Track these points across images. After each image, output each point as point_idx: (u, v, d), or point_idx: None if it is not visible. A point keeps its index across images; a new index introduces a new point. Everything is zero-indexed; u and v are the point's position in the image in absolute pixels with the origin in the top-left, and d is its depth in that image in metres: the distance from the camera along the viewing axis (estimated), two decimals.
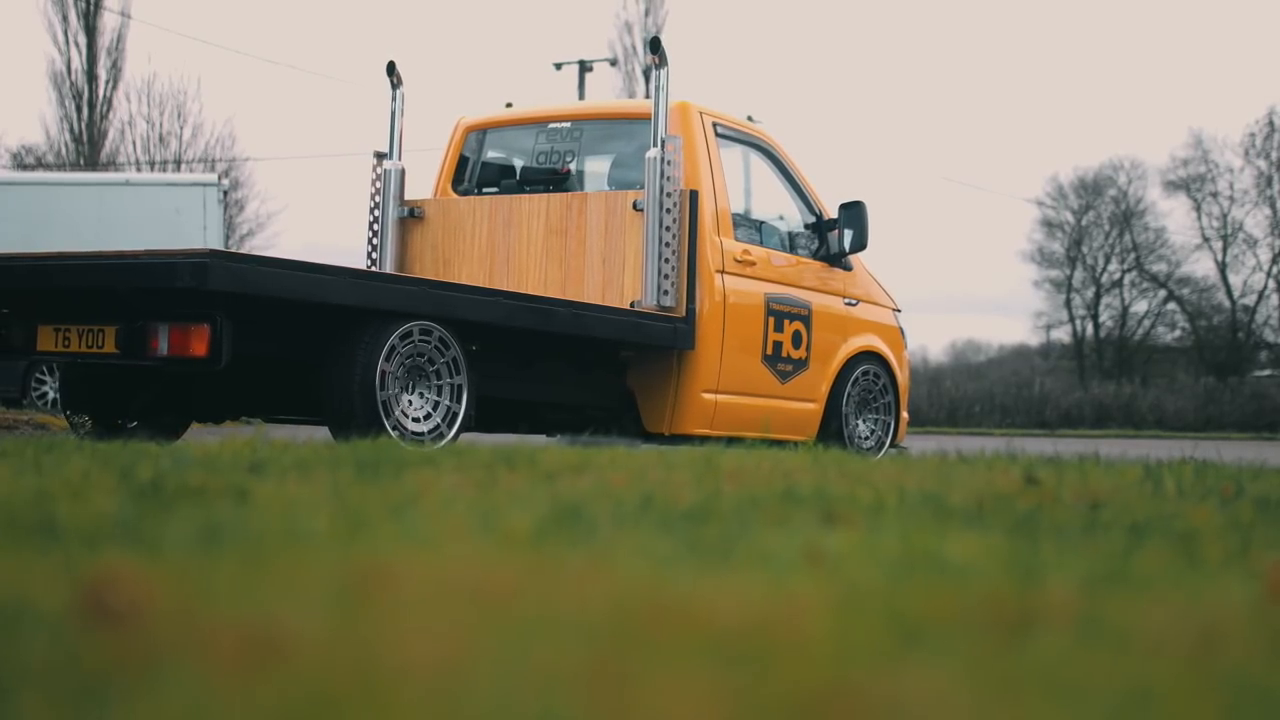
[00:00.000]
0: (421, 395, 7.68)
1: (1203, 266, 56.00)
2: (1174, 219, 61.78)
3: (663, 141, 8.68)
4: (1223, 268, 53.56)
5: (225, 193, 26.11)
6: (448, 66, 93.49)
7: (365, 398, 7.37)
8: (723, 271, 8.99)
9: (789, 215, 9.80)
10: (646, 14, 50.72)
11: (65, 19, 46.10)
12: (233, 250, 6.56)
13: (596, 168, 9.65)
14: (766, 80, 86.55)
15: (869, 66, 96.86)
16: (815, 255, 9.81)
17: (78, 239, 24.76)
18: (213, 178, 25.99)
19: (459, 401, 7.75)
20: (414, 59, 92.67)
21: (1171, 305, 55.23)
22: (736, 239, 9.19)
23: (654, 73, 8.80)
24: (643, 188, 8.85)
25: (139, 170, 46.12)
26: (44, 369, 18.42)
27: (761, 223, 9.57)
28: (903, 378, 10.36)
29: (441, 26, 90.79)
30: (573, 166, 9.57)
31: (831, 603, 2.17)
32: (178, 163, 47.97)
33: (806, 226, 9.84)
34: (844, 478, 4.89)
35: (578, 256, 9.02)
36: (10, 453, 5.33)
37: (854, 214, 9.68)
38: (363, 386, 7.39)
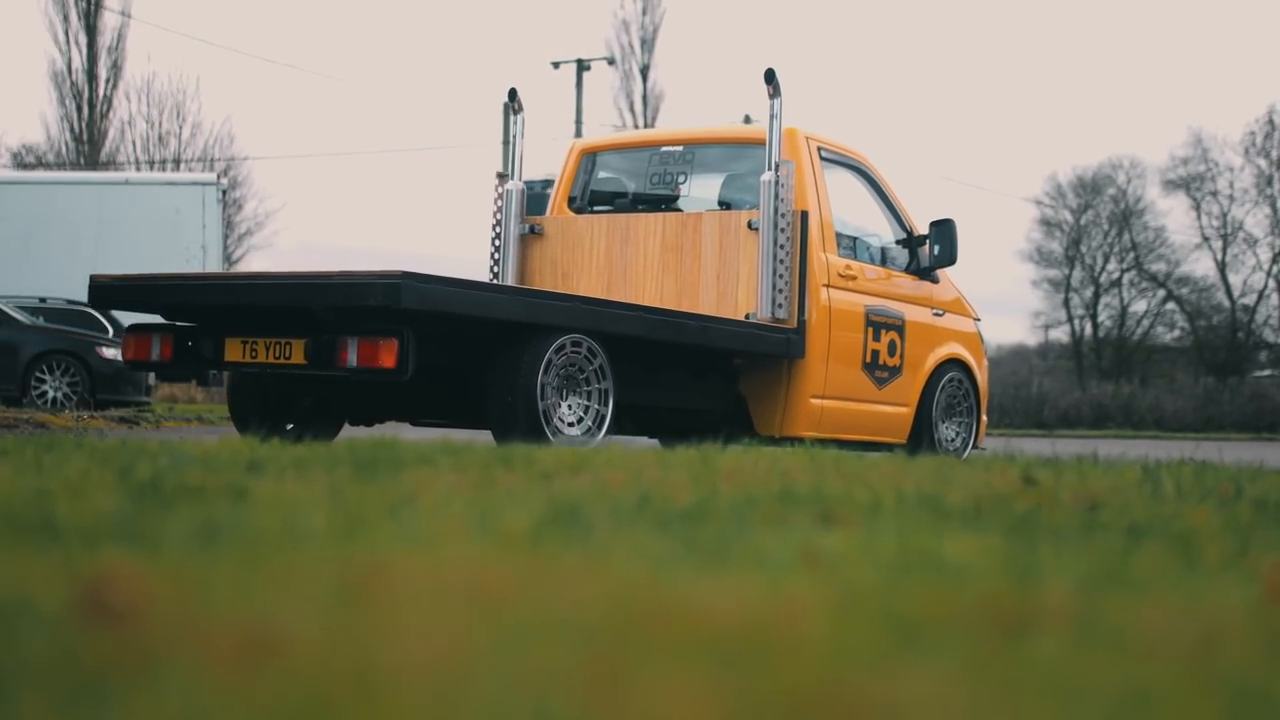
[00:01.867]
0: (574, 402, 8.35)
1: (1202, 266, 56.03)
2: (1173, 218, 61.93)
3: (776, 166, 9.37)
4: (1222, 267, 53.58)
5: (224, 192, 26.11)
6: (448, 66, 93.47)
7: (528, 405, 8.03)
8: (828, 285, 9.68)
9: (882, 231, 10.46)
10: (644, 13, 50.70)
11: (66, 18, 46.14)
12: (417, 271, 7.16)
13: (706, 188, 10.26)
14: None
15: (867, 65, 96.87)
16: (907, 269, 10.49)
17: (77, 237, 24.77)
18: (212, 177, 26.00)
19: (605, 406, 8.42)
20: (414, 58, 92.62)
21: (1171, 305, 55.23)
22: (839, 255, 9.86)
23: (769, 102, 9.56)
24: (752, 207, 9.59)
25: (138, 169, 46.12)
26: (43, 368, 18.42)
27: (859, 239, 10.22)
28: (983, 383, 11.07)
29: (440, 25, 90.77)
30: (685, 188, 10.18)
31: (828, 603, 2.18)
32: (177, 162, 47.98)
33: (898, 242, 10.50)
34: (841, 478, 4.89)
35: (693, 271, 9.69)
36: (10, 451, 5.33)
37: (943, 231, 10.33)
38: (526, 395, 8.04)
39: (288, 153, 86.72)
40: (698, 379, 9.44)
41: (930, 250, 10.38)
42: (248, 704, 1.50)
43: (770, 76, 9.71)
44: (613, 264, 10.01)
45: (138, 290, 8.99)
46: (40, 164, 46.36)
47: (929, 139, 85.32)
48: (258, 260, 53.79)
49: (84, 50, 46.26)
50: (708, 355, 9.24)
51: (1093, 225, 56.91)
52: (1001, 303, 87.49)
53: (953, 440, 10.65)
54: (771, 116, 9.53)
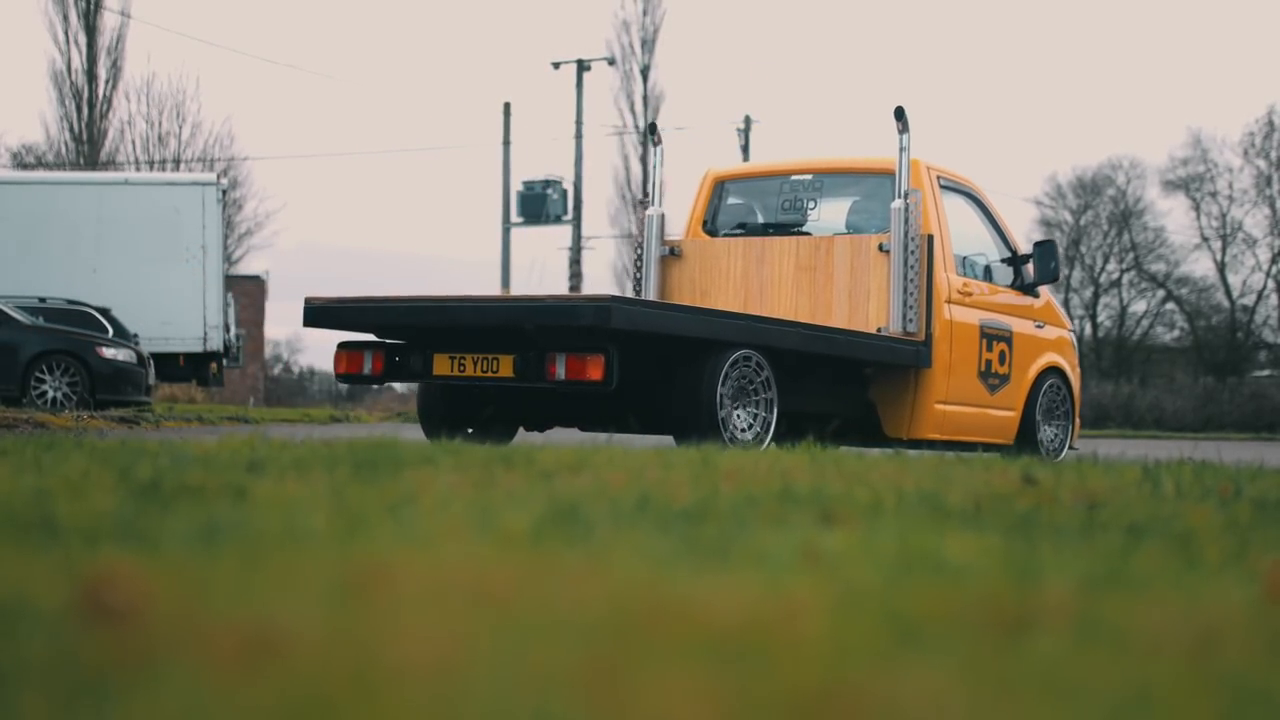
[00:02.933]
0: (745, 410, 9.25)
1: (1202, 266, 55.97)
2: (1173, 218, 61.83)
3: (905, 195, 10.31)
4: (1222, 267, 53.57)
5: (224, 192, 26.10)
6: (449, 66, 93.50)
7: (710, 414, 8.89)
8: (950, 302, 10.61)
9: (989, 250, 11.43)
10: (644, 13, 50.69)
11: (65, 18, 46.11)
12: (623, 295, 8.81)
13: (833, 212, 11.23)
14: (764, 79, 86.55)
15: (866, 65, 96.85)
16: (1012, 285, 11.46)
17: (77, 238, 24.77)
18: (211, 177, 25.99)
19: (770, 414, 9.31)
20: (415, 59, 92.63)
21: (1170, 305, 55.22)
22: (958, 274, 10.84)
23: (897, 137, 10.47)
24: (878, 231, 10.59)
25: (138, 170, 46.12)
26: (43, 368, 18.41)
27: (972, 258, 11.17)
28: (1077, 388, 12.03)
29: (440, 26, 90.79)
30: (815, 213, 11.14)
31: (829, 603, 2.18)
32: (177, 162, 47.98)
33: (1004, 260, 11.46)
34: (841, 478, 4.89)
35: (825, 290, 10.62)
36: (10, 451, 5.33)
37: (1045, 250, 11.38)
38: (708, 405, 8.91)
39: (288, 153, 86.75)
40: (834, 387, 10.36)
41: (1033, 268, 11.40)
42: (248, 704, 1.50)
43: (900, 114, 10.55)
44: (749, 283, 10.95)
45: (351, 311, 9.63)
46: (40, 164, 46.35)
47: (929, 139, 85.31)
48: (258, 260, 53.83)
49: (84, 50, 46.25)
50: (844, 365, 10.18)
51: (1092, 225, 56.91)
52: None
53: (1052, 441, 11.61)
54: (900, 149, 10.44)
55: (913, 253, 10.24)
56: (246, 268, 48.43)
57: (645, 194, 11.70)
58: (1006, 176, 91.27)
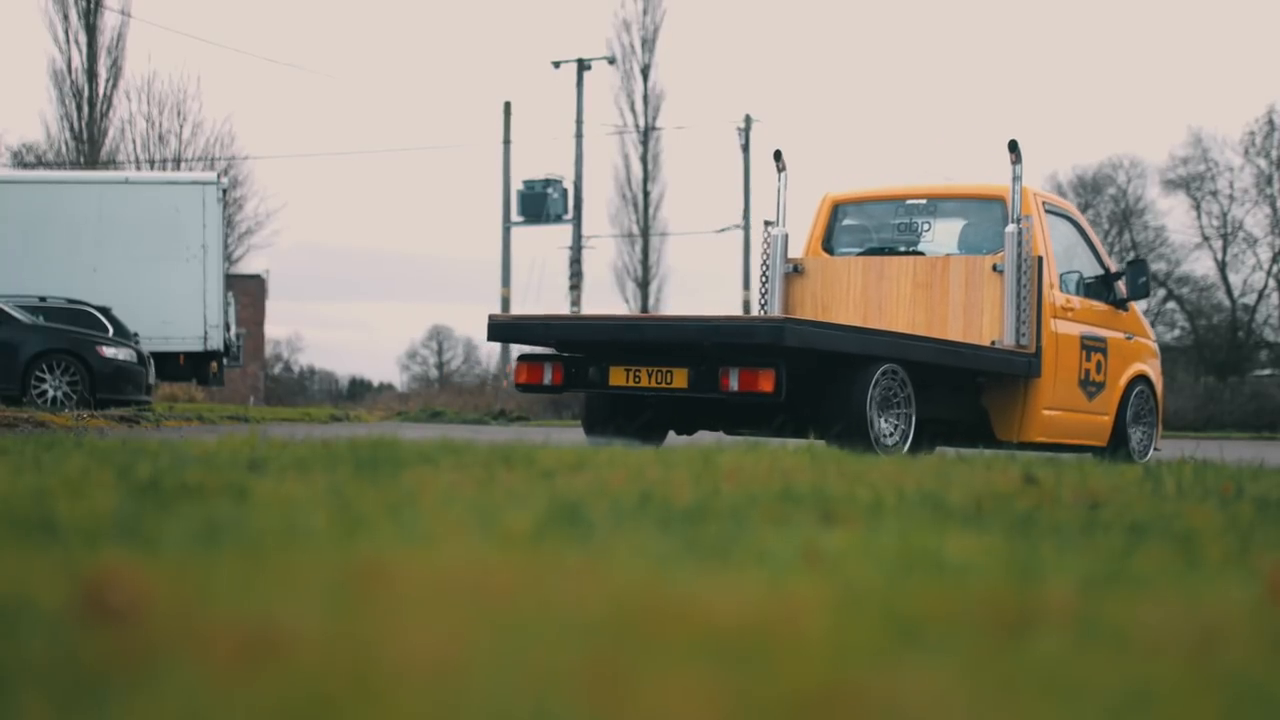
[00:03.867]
0: (890, 417, 10.21)
1: (1202, 265, 55.91)
2: (1173, 218, 61.71)
3: (1018, 220, 11.28)
4: (1222, 267, 53.55)
5: (224, 191, 26.09)
6: (449, 66, 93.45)
7: (861, 422, 9.86)
8: (1055, 316, 11.57)
9: (1085, 268, 12.38)
10: (644, 12, 50.67)
11: (66, 17, 46.09)
12: (795, 317, 9.93)
13: (944, 234, 12.20)
14: (764, 78, 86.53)
15: (867, 64, 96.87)
16: (1106, 300, 12.37)
17: (77, 237, 24.76)
18: (212, 176, 25.97)
19: (909, 422, 10.31)
20: (415, 58, 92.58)
21: (1171, 304, 55.17)
22: (1061, 291, 11.80)
23: (1011, 168, 11.46)
24: (989, 252, 11.56)
25: (139, 169, 46.10)
26: (43, 367, 18.40)
27: (1071, 276, 12.11)
28: (1160, 395, 12.99)
29: (441, 25, 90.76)
30: (929, 235, 12.12)
31: (830, 602, 2.17)
32: (177, 161, 47.96)
33: (1097, 278, 12.38)
34: (842, 477, 4.89)
35: (941, 305, 11.55)
36: (10, 450, 5.33)
37: (1137, 268, 12.42)
38: (859, 413, 9.88)
39: (288, 152, 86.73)
40: (953, 395, 11.32)
41: (1125, 285, 12.41)
42: (248, 704, 1.50)
43: (1014, 147, 11.62)
44: (868, 299, 11.85)
45: (535, 327, 10.74)
46: (40, 163, 46.33)
47: (930, 138, 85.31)
48: (258, 259, 53.83)
49: (84, 49, 46.23)
50: (962, 375, 11.14)
51: (1093, 225, 56.89)
52: None
53: (1140, 442, 12.57)
54: (1014, 179, 11.43)
55: (1025, 272, 11.22)
56: (247, 267, 48.44)
57: (776, 218, 12.69)
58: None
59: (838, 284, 12.01)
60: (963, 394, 11.33)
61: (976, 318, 11.35)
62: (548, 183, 42.20)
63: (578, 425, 28.99)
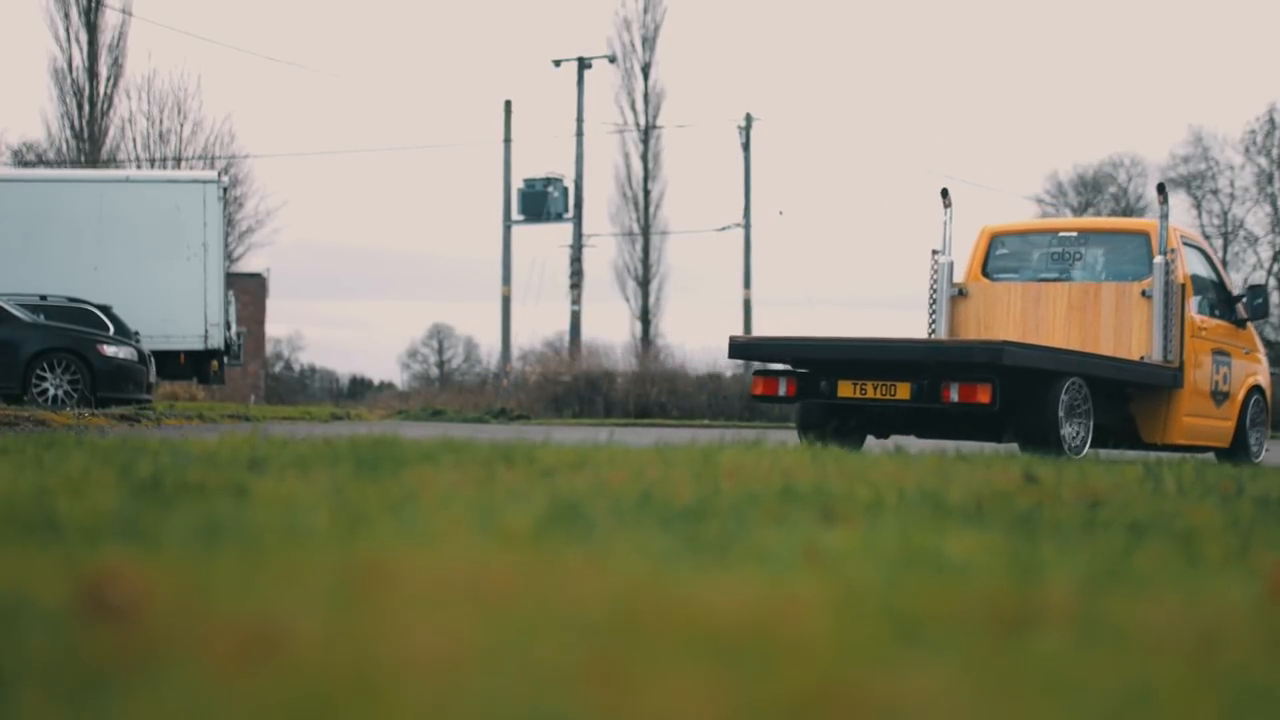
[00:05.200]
0: (1073, 424, 11.72)
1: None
2: (1174, 216, 61.55)
3: (1165, 252, 12.81)
4: (1223, 265, 53.59)
5: (225, 189, 26.08)
6: (449, 65, 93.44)
7: (1054, 428, 11.43)
8: (1193, 336, 13.05)
9: (1213, 293, 13.96)
10: (645, 11, 50.65)
11: (67, 16, 46.09)
12: (1012, 340, 11.67)
13: (1093, 263, 13.77)
14: (765, 77, 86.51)
15: (868, 63, 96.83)
16: (1229, 320, 13.93)
17: (78, 235, 24.76)
18: (212, 175, 25.96)
19: (1087, 429, 11.87)
20: (416, 57, 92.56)
21: None
22: (1196, 312, 13.27)
23: (1159, 208, 13.01)
24: (1137, 279, 13.11)
25: (139, 167, 46.09)
26: (44, 366, 18.41)
27: (1203, 300, 13.62)
28: (1269, 401, 14.70)
29: (441, 24, 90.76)
30: (1081, 263, 13.69)
31: (830, 600, 2.17)
32: (178, 159, 47.94)
33: (1222, 300, 13.98)
34: (842, 476, 4.89)
35: (1093, 326, 13.11)
36: (11, 449, 5.33)
37: (1255, 293, 14.10)
38: (1052, 420, 11.43)
39: (288, 150, 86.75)
40: (1109, 404, 12.65)
41: (1245, 307, 14.06)
42: (249, 702, 1.50)
43: (1161, 189, 13.39)
44: (1026, 320, 13.34)
45: (771, 346, 12.64)
46: (41, 161, 46.32)
47: (930, 138, 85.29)
48: (258, 259, 53.84)
49: (85, 47, 46.22)
50: (1119, 386, 12.64)
51: None
52: None
53: (1255, 444, 14.23)
54: (1162, 216, 12.94)
55: (1171, 298, 12.77)
56: (247, 265, 48.40)
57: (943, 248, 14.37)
58: (1007, 174, 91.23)
59: (998, 306, 13.55)
60: (1115, 402, 12.79)
61: (1126, 337, 12.94)
62: (548, 181, 42.19)
63: (578, 424, 28.98)
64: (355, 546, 2.66)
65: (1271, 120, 52.95)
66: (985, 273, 13.83)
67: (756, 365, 12.84)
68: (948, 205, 14.11)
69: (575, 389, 37.65)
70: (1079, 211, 57.01)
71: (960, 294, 13.76)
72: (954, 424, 12.20)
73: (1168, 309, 12.70)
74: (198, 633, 1.76)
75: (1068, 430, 11.59)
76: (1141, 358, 12.76)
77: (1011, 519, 3.74)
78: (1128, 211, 56.18)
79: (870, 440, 12.37)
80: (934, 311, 13.75)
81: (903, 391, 11.27)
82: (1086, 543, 3.30)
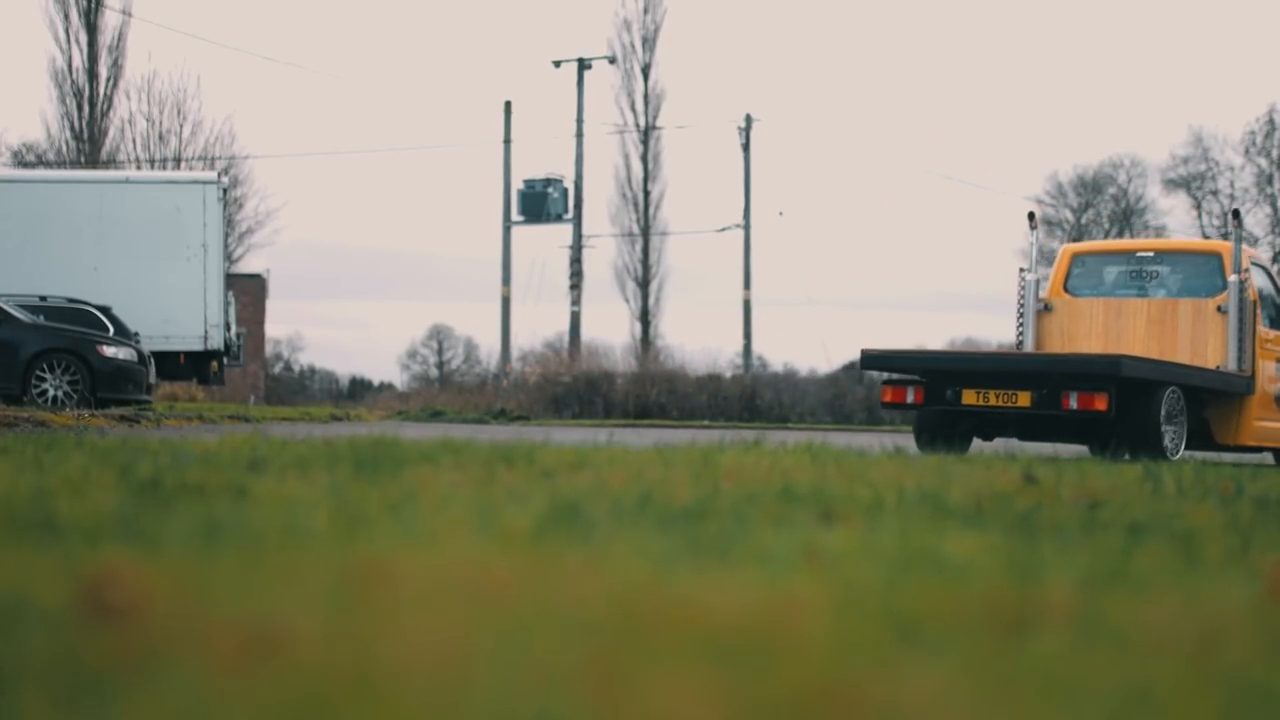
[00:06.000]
0: (1171, 429, 12.87)
1: None
2: (1174, 217, 61.39)
3: (1239, 271, 14.02)
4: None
5: (225, 190, 26.08)
6: (449, 65, 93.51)
7: (1156, 432, 12.63)
8: (1261, 346, 14.21)
9: (1271, 308, 15.10)
10: (645, 11, 50.67)
11: (66, 17, 46.11)
12: (1131, 354, 12.96)
13: (1169, 281, 14.96)
14: (765, 78, 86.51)
15: (868, 63, 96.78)
16: None
17: (78, 236, 24.76)
18: (212, 175, 25.95)
19: (1183, 431, 13.02)
20: (416, 58, 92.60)
21: None
22: (1263, 326, 14.50)
23: (1233, 232, 14.40)
24: (1210, 295, 14.29)
25: (139, 168, 46.09)
26: (44, 367, 18.41)
27: (1265, 313, 14.74)
28: None
29: (441, 25, 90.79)
30: (1157, 281, 14.82)
31: (830, 601, 2.17)
32: (178, 160, 47.95)
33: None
34: (842, 476, 4.89)
35: (1171, 339, 14.25)
36: (11, 450, 5.34)
37: None
38: (1155, 425, 12.63)
39: (288, 151, 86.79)
40: (1190, 409, 13.67)
41: None
42: (248, 702, 1.50)
43: (1236, 214, 15.16)
44: (1107, 334, 14.56)
45: (903, 358, 14.19)
46: (41, 162, 46.32)
47: (931, 138, 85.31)
48: (257, 259, 53.83)
49: (84, 48, 46.24)
50: (1196, 392, 13.64)
51: (1094, 224, 56.93)
52: (1002, 301, 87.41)
53: None
54: (1237, 240, 14.24)
55: (1245, 312, 13.98)
56: (247, 266, 48.39)
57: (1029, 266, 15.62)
58: (1008, 174, 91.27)
59: (1081, 320, 14.74)
60: (1193, 408, 13.85)
61: (1202, 349, 14.15)
62: (548, 182, 42.19)
63: (578, 425, 28.98)
64: (355, 547, 2.66)
65: (1271, 121, 52.98)
66: (1066, 289, 15.02)
67: (885, 375, 14.21)
68: (1034, 227, 15.52)
69: (575, 390, 37.67)
70: (1080, 213, 57.05)
71: (1045, 309, 15.00)
72: (1066, 429, 13.39)
73: (1242, 323, 13.96)
74: (198, 633, 1.76)
75: (1167, 434, 12.82)
76: (1217, 367, 13.92)
77: (1011, 520, 3.74)
78: (1128, 212, 56.23)
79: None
80: (1021, 324, 15.03)
81: (1023, 399, 12.52)
82: (1086, 543, 3.30)
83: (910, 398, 13.12)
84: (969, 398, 12.78)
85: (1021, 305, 15.00)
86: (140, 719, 1.47)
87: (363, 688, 1.56)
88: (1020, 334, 15.01)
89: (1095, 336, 14.54)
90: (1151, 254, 15.15)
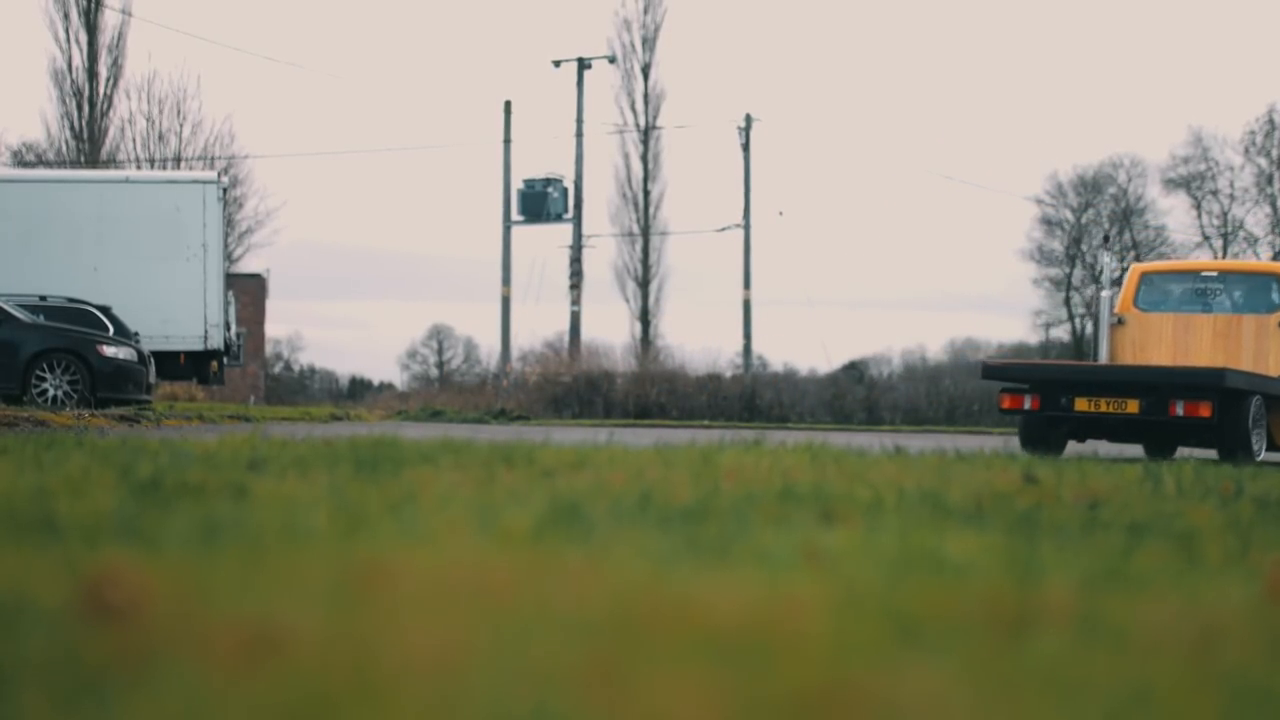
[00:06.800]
0: (1256, 433, 14.25)
1: None
2: (1174, 217, 61.32)
3: None
4: None
5: (225, 190, 26.08)
6: (449, 65, 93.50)
7: (1245, 436, 13.97)
8: None
9: None
10: (645, 11, 50.70)
11: (66, 16, 46.13)
12: (1228, 367, 14.32)
13: (1232, 298, 16.39)
14: (765, 78, 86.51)
15: (868, 63, 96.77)
16: None
17: (78, 236, 24.77)
18: (212, 175, 25.95)
19: (1264, 434, 14.48)
20: (416, 58, 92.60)
21: None
22: None
23: None
24: (1269, 312, 15.67)
25: (139, 168, 46.09)
26: (44, 366, 18.41)
27: None
28: None
29: (441, 25, 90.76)
30: (1222, 298, 16.29)
31: (830, 601, 2.17)
32: (177, 160, 47.95)
33: None
34: (842, 476, 4.89)
35: (1235, 351, 15.65)
36: (11, 450, 5.34)
37: None
38: (1244, 431, 13.96)
39: (288, 151, 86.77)
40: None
41: None
42: (248, 702, 1.50)
43: None
44: (1175, 346, 15.92)
45: (1023, 369, 15.69)
46: (40, 162, 46.33)
47: (931, 138, 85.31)
48: (257, 259, 53.81)
49: (84, 48, 46.25)
50: (1273, 401, 15.19)
51: (1093, 224, 56.91)
52: (1002, 301, 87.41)
53: None
54: None
55: None
56: (247, 266, 48.41)
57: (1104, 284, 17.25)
58: (1008, 174, 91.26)
59: (1151, 334, 16.16)
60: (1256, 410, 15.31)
61: (1263, 360, 15.54)
62: (548, 182, 42.19)
63: (577, 425, 28.98)
64: (355, 547, 2.66)
65: (1271, 121, 52.96)
66: (1136, 305, 16.48)
67: (1005, 385, 15.61)
68: (1110, 249, 17.46)
69: (575, 389, 37.67)
70: (1079, 212, 57.13)
71: (1119, 323, 16.49)
72: (1168, 434, 14.91)
73: None
74: (198, 633, 1.76)
75: (1254, 438, 14.20)
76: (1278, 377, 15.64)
77: (1011, 519, 3.74)
78: (1128, 212, 56.26)
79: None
80: (1097, 337, 16.67)
81: (1132, 406, 13.95)
82: (1086, 543, 3.30)
83: (1027, 404, 14.47)
84: (1081, 404, 14.21)
85: (1096, 320, 16.70)
86: (140, 719, 1.47)
87: (363, 688, 1.56)
88: (1096, 346, 16.67)
89: (1164, 348, 16.03)
90: (1214, 274, 16.73)
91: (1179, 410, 13.72)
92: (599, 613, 2.00)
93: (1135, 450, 16.13)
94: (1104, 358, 16.08)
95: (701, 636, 1.87)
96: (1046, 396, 14.45)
